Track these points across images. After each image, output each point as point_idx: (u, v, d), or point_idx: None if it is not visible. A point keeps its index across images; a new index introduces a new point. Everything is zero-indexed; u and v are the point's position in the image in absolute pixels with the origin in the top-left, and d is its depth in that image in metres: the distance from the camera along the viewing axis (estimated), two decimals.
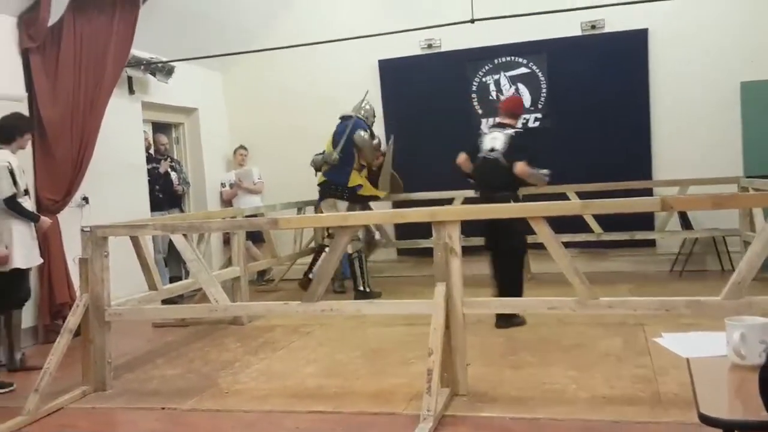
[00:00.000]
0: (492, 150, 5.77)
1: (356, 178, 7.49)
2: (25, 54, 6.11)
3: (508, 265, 5.78)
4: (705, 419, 1.52)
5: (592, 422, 3.51)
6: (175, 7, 7.30)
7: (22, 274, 5.12)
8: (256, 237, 8.40)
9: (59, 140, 6.07)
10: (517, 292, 5.57)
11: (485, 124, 6.02)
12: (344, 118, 7.57)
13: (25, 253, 5.06)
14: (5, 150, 5.09)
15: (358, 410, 3.91)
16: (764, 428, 1.48)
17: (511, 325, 5.53)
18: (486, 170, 5.81)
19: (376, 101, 8.65)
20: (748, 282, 3.63)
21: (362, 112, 7.69)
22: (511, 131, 5.82)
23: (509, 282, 5.65)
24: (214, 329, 6.21)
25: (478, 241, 7.64)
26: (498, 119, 6.06)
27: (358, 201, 7.52)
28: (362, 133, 7.39)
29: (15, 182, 5.04)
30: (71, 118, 6.12)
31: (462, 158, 6.02)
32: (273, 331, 6.03)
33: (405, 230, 8.11)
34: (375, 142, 7.60)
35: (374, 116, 7.85)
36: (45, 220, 5.44)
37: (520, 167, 5.61)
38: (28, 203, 5.26)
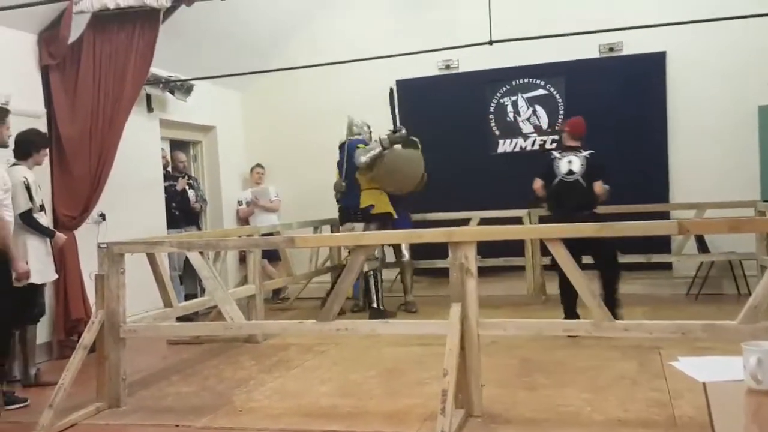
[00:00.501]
0: (570, 173, 6.08)
1: (367, 199, 7.53)
2: (45, 71, 6.20)
3: (614, 270, 6.12)
4: None
5: None
6: (195, 26, 7.39)
7: (37, 289, 5.15)
8: (272, 255, 8.42)
9: (77, 157, 6.14)
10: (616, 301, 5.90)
11: (556, 151, 6.32)
12: (341, 146, 7.72)
13: (40, 269, 5.10)
14: (22, 166, 5.15)
15: (372, 430, 3.90)
16: None
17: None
18: (565, 192, 6.10)
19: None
20: (764, 306, 3.61)
21: (354, 128, 7.78)
22: (585, 153, 6.12)
23: (614, 287, 6.03)
24: (228, 347, 6.22)
25: (494, 261, 7.68)
26: (567, 143, 6.29)
27: (372, 220, 7.53)
28: (360, 158, 7.42)
29: (31, 197, 5.09)
30: (90, 135, 6.18)
31: (538, 184, 6.27)
32: (287, 349, 6.03)
33: (421, 250, 8.10)
34: (374, 153, 7.54)
35: (369, 127, 7.87)
36: (60, 236, 5.49)
37: (599, 186, 6.02)
38: (44, 219, 5.31)
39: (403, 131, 7.48)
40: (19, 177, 5.02)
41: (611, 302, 5.87)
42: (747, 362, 1.77)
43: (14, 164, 5.14)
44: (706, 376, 1.92)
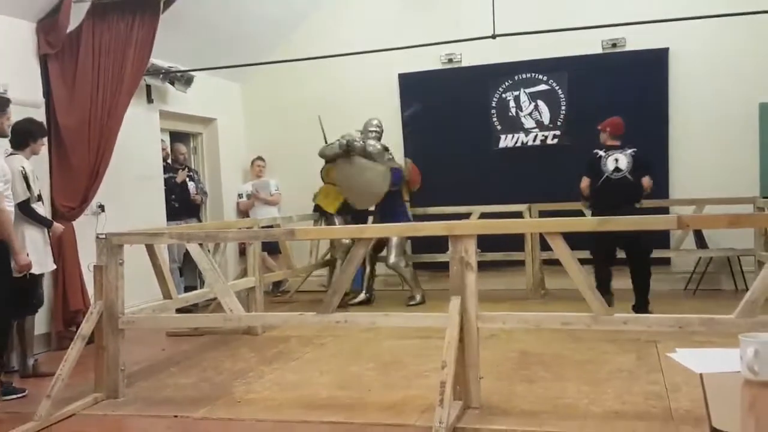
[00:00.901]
0: (617, 170, 6.36)
1: (319, 193, 8.23)
2: (44, 60, 6.18)
3: (645, 266, 6.45)
4: None
5: None
6: (195, 17, 7.38)
7: (35, 280, 5.14)
8: (272, 248, 8.42)
9: (76, 147, 6.13)
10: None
11: (600, 150, 6.54)
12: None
13: (38, 259, 5.09)
14: (19, 155, 5.13)
15: (371, 421, 3.90)
16: None
17: None
18: (611, 189, 6.36)
19: (395, 115, 8.70)
20: (761, 301, 3.61)
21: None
22: (630, 151, 6.41)
23: (646, 281, 6.41)
24: (228, 339, 6.23)
25: (494, 256, 7.68)
26: (608, 142, 6.52)
27: (340, 214, 8.04)
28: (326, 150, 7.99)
29: (29, 187, 5.07)
30: (89, 125, 6.17)
31: (585, 183, 6.52)
32: (287, 341, 6.04)
33: (422, 244, 8.11)
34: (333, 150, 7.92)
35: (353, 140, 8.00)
36: (58, 226, 5.48)
37: (647, 181, 6.38)
38: (42, 209, 5.29)
39: (354, 142, 7.77)
40: (16, 166, 5.01)
41: (641, 298, 6.37)
42: (744, 353, 1.77)
43: (11, 154, 5.12)
44: (703, 367, 1.93)
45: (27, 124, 5.26)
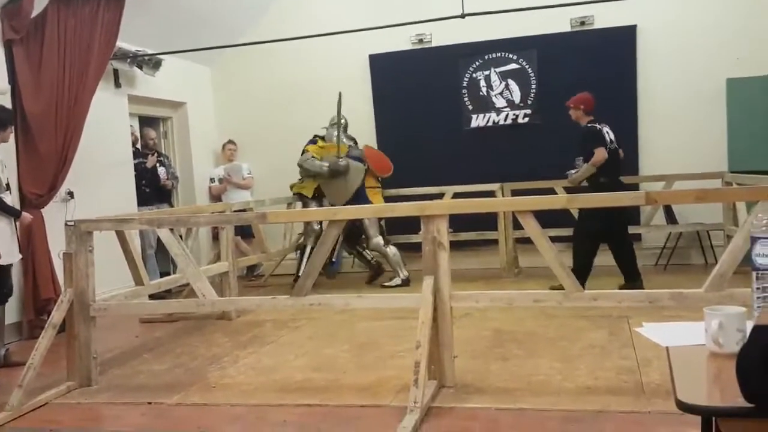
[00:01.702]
0: (611, 141, 6.40)
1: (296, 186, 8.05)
2: (8, 46, 6.06)
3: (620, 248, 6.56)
4: (682, 406, 1.52)
5: (576, 412, 3.54)
6: None
7: (3, 270, 5.08)
8: (245, 232, 8.38)
9: (43, 134, 6.03)
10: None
11: (596, 123, 6.45)
12: None
13: (5, 250, 5.02)
14: None
15: (346, 403, 3.92)
16: (741, 414, 1.49)
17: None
18: (613, 161, 6.38)
19: (366, 96, 8.67)
20: (729, 274, 3.66)
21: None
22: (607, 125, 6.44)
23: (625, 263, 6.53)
24: (202, 324, 6.20)
25: (466, 235, 7.72)
26: (586, 118, 6.50)
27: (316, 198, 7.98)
28: (304, 163, 7.83)
29: None
30: (56, 111, 6.07)
31: (604, 154, 6.30)
32: (262, 325, 6.03)
33: (395, 225, 8.12)
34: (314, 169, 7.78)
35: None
36: (26, 215, 5.40)
37: (621, 153, 6.55)
38: (9, 198, 5.20)
39: (342, 163, 7.64)
40: None
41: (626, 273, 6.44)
42: (708, 326, 1.79)
43: None
44: (669, 341, 1.94)
45: None
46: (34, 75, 6.07)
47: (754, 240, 1.80)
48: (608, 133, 6.40)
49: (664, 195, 5.33)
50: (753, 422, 1.51)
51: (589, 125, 6.46)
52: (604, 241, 6.44)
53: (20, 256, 5.43)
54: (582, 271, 6.01)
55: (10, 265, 5.22)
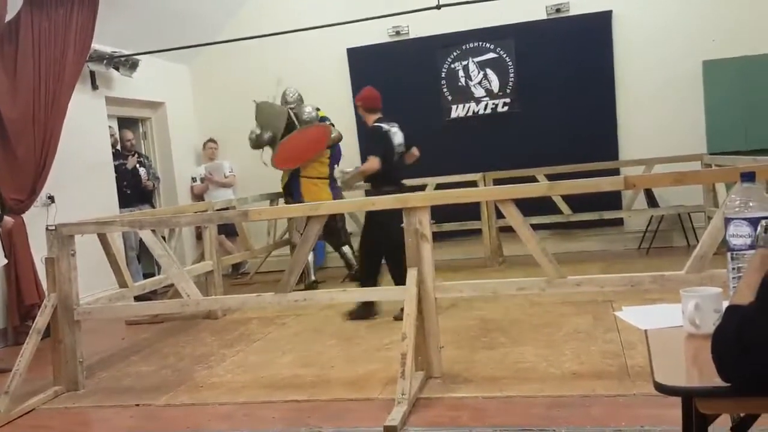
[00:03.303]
0: (400, 144, 5.86)
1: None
2: None
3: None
4: (660, 388, 1.55)
5: (562, 398, 3.57)
6: None
7: None
8: (230, 231, 8.35)
9: (21, 138, 5.98)
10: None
11: (384, 123, 5.84)
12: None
13: None
14: None
15: (334, 397, 3.93)
16: (718, 393, 1.52)
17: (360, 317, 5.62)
18: (400, 165, 5.92)
19: (345, 90, 8.65)
20: (710, 255, 3.70)
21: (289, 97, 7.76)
22: (394, 123, 5.89)
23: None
24: (188, 324, 6.19)
25: (450, 226, 7.74)
26: (375, 116, 5.91)
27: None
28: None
29: None
30: (33, 115, 6.01)
31: (377, 163, 5.68)
32: (248, 323, 6.02)
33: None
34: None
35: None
36: (8, 219, 5.37)
37: (417, 151, 6.01)
38: None
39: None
40: None
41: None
42: (685, 308, 1.82)
43: None
44: (647, 323, 1.97)
45: None
46: (10, 79, 6.01)
47: (727, 221, 1.83)
48: (396, 135, 5.78)
49: (642, 179, 5.38)
50: (730, 402, 1.54)
51: (374, 125, 5.85)
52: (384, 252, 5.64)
53: (6, 261, 5.40)
54: (369, 282, 5.55)
55: None
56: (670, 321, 1.92)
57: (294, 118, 7.53)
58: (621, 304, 5.01)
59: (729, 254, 1.84)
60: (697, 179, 5.59)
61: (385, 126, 5.80)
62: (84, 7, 6.21)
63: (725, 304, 1.66)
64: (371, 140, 5.92)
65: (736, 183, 3.88)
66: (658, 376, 1.58)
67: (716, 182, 6.30)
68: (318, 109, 7.67)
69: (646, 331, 1.90)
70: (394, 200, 4.29)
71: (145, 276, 7.48)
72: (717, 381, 1.49)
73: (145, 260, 7.88)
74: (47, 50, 6.09)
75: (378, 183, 5.85)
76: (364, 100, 6.01)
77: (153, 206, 8.17)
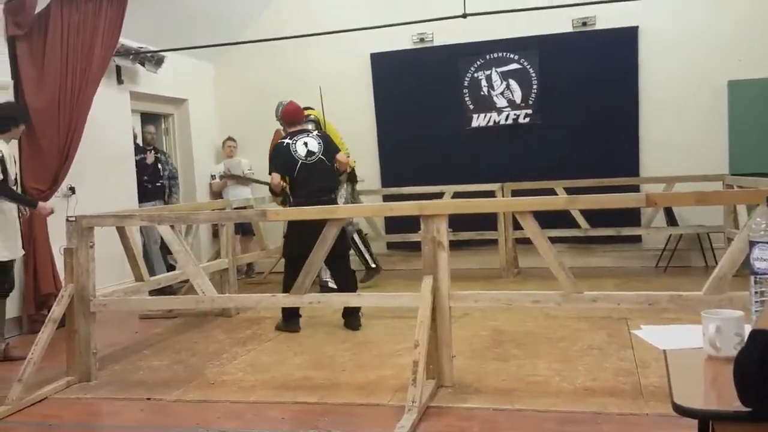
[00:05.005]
0: (310, 154, 5.76)
1: None
2: (12, 41, 6.07)
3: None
4: (679, 409, 1.53)
5: (574, 414, 3.55)
6: None
7: (5, 265, 5.09)
8: (245, 230, 8.38)
9: (45, 129, 6.04)
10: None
11: (286, 138, 5.88)
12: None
13: (9, 245, 5.05)
14: None
15: (344, 401, 3.93)
16: (737, 418, 1.50)
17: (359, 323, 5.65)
18: (310, 175, 5.74)
19: (367, 95, 8.67)
20: (729, 278, 3.67)
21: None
22: (316, 132, 6.00)
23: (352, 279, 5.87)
24: (201, 321, 6.21)
25: (466, 235, 7.72)
26: (290, 129, 5.95)
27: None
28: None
29: (5, 170, 5.02)
30: (58, 106, 6.08)
31: (276, 179, 5.75)
32: (261, 323, 6.03)
33: (395, 224, 8.13)
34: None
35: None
36: (44, 205, 5.43)
37: (343, 156, 5.94)
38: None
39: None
40: None
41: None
42: (706, 330, 1.80)
43: None
44: (666, 344, 1.95)
45: (9, 109, 5.25)
46: (38, 70, 6.08)
47: (752, 244, 1.81)
48: (306, 145, 5.75)
49: (664, 197, 5.35)
50: (749, 426, 1.52)
51: (277, 143, 6.05)
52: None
53: (23, 252, 5.45)
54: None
55: (13, 260, 5.23)
56: (690, 342, 1.90)
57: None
58: (636, 321, 5.03)
59: (752, 278, 1.82)
60: (719, 200, 5.55)
61: (286, 140, 5.83)
62: (114, 2, 6.26)
63: (747, 328, 1.64)
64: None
65: (758, 205, 3.86)
66: (677, 397, 1.57)
67: (738, 203, 6.25)
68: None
69: (665, 351, 1.88)
70: (414, 206, 4.29)
71: (169, 269, 7.49)
72: (737, 405, 1.48)
73: (165, 253, 7.86)
74: (75, 43, 6.16)
75: (292, 194, 5.91)
76: (282, 114, 6.12)
77: (165, 203, 8.09)
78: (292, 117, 6.01)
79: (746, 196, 4.87)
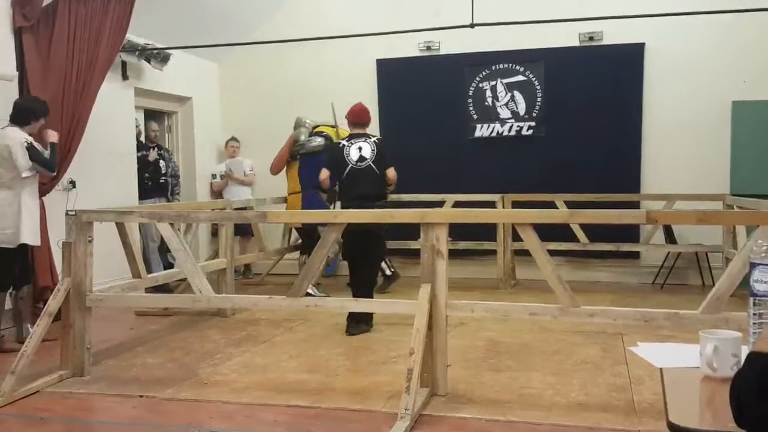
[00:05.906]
0: (361, 159, 5.84)
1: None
2: (18, 33, 6.06)
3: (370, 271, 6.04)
4: (674, 428, 1.53)
5: (567, 428, 3.55)
6: None
7: (24, 252, 5.15)
8: (244, 230, 8.38)
9: (49, 121, 6.03)
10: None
11: (343, 140, 6.07)
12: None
13: (34, 231, 5.13)
14: (17, 128, 5.20)
15: (337, 406, 3.92)
16: None
17: (360, 332, 5.62)
18: (356, 180, 5.83)
19: (372, 100, 8.67)
20: (726, 297, 3.67)
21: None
22: (374, 138, 6.00)
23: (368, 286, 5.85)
24: (197, 320, 6.21)
25: (466, 244, 7.72)
26: (352, 131, 6.10)
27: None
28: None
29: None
30: (62, 99, 6.07)
31: (325, 174, 5.92)
32: (257, 324, 6.03)
33: (395, 231, 8.12)
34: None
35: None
36: (53, 132, 5.52)
37: (392, 172, 5.95)
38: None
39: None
40: (19, 139, 5.14)
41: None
42: (703, 350, 1.80)
43: (7, 126, 5.20)
44: (663, 362, 1.95)
45: (31, 103, 5.32)
46: (43, 63, 6.08)
47: (753, 266, 1.81)
48: (360, 150, 5.86)
49: (665, 215, 5.34)
50: None
51: (336, 141, 6.33)
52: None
53: (38, 245, 5.48)
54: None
55: (34, 248, 5.34)
56: (686, 361, 1.91)
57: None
58: (632, 337, 5.03)
59: (751, 299, 1.82)
60: (720, 220, 5.55)
61: (344, 142, 5.99)
62: None
63: (744, 349, 1.64)
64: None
65: (758, 227, 3.86)
66: (672, 416, 1.56)
67: (739, 225, 6.25)
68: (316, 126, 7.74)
69: (661, 369, 1.88)
70: (415, 214, 4.29)
71: (165, 267, 7.49)
72: (731, 426, 1.47)
73: (163, 252, 7.86)
74: (82, 37, 6.15)
75: (340, 196, 6.05)
76: (348, 113, 6.15)
77: (168, 200, 8.11)
78: (356, 117, 6.08)
79: (747, 217, 4.87)
